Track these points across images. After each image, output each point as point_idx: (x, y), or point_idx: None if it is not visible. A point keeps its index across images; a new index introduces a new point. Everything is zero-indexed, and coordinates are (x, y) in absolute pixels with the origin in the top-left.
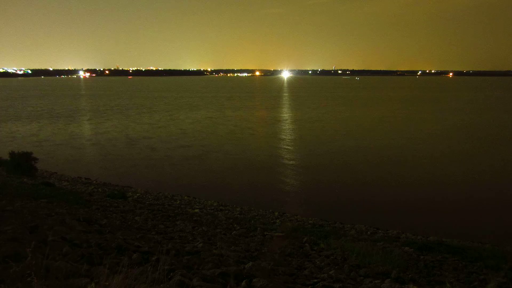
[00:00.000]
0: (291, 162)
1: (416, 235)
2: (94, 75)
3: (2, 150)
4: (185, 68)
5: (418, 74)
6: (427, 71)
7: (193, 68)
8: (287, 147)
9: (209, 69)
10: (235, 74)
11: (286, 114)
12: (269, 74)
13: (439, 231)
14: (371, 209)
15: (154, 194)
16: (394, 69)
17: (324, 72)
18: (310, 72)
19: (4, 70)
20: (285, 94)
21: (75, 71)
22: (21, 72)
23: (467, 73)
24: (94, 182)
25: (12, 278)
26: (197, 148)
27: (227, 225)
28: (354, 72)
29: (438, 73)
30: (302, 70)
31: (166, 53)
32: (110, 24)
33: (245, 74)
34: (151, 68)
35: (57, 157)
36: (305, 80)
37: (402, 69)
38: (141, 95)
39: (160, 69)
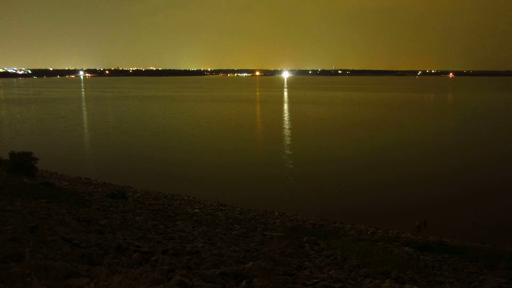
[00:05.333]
0: (291, 163)
1: (416, 235)
2: (90, 75)
3: (2, 150)
4: (185, 68)
5: (418, 74)
6: (427, 71)
7: (193, 68)
8: (287, 148)
9: (209, 69)
10: (235, 74)
11: (286, 114)
12: (269, 74)
13: (439, 231)
14: (371, 209)
15: (154, 194)
16: (394, 69)
17: (324, 72)
18: (310, 72)
19: (4, 70)
20: (285, 93)
21: (75, 71)
22: (21, 72)
23: (467, 73)
24: (94, 182)
25: (12, 278)
26: (197, 148)
27: (227, 225)
28: (354, 72)
29: (438, 73)
30: (302, 70)
31: (166, 53)
32: (110, 24)
33: (245, 74)
34: (151, 68)
35: (57, 157)
36: (304, 80)
37: (402, 69)
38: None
39: (160, 69)
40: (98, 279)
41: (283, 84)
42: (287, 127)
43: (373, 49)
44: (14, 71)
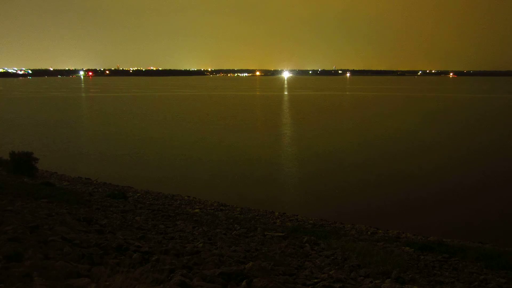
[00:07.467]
0: (291, 163)
1: (416, 235)
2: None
3: (2, 150)
4: (185, 68)
5: (418, 74)
6: (427, 71)
7: (193, 68)
8: (287, 148)
9: (209, 69)
10: (236, 74)
11: (286, 114)
12: (269, 74)
13: (439, 231)
14: (371, 209)
15: (154, 194)
16: (394, 69)
17: (325, 72)
18: (310, 72)
19: (4, 70)
20: (285, 93)
21: (75, 71)
22: (22, 72)
23: (468, 73)
24: (94, 182)
25: (12, 278)
26: (197, 148)
27: (227, 225)
28: (354, 72)
29: (438, 73)
30: (302, 70)
31: (166, 53)
32: (110, 24)
33: (245, 74)
34: (151, 68)
35: (57, 157)
36: (305, 80)
37: (402, 69)
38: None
39: (160, 69)
40: (99, 279)
41: (283, 85)
42: (288, 127)
43: (374, 49)
44: (15, 71)
